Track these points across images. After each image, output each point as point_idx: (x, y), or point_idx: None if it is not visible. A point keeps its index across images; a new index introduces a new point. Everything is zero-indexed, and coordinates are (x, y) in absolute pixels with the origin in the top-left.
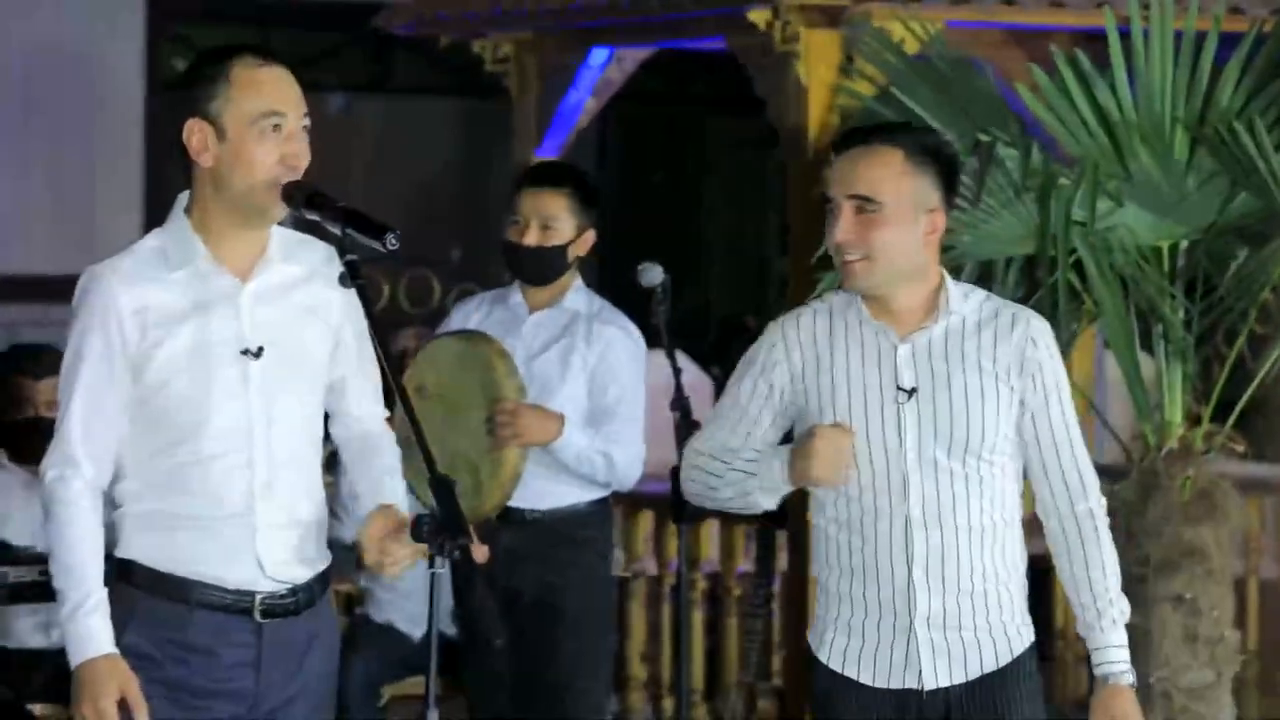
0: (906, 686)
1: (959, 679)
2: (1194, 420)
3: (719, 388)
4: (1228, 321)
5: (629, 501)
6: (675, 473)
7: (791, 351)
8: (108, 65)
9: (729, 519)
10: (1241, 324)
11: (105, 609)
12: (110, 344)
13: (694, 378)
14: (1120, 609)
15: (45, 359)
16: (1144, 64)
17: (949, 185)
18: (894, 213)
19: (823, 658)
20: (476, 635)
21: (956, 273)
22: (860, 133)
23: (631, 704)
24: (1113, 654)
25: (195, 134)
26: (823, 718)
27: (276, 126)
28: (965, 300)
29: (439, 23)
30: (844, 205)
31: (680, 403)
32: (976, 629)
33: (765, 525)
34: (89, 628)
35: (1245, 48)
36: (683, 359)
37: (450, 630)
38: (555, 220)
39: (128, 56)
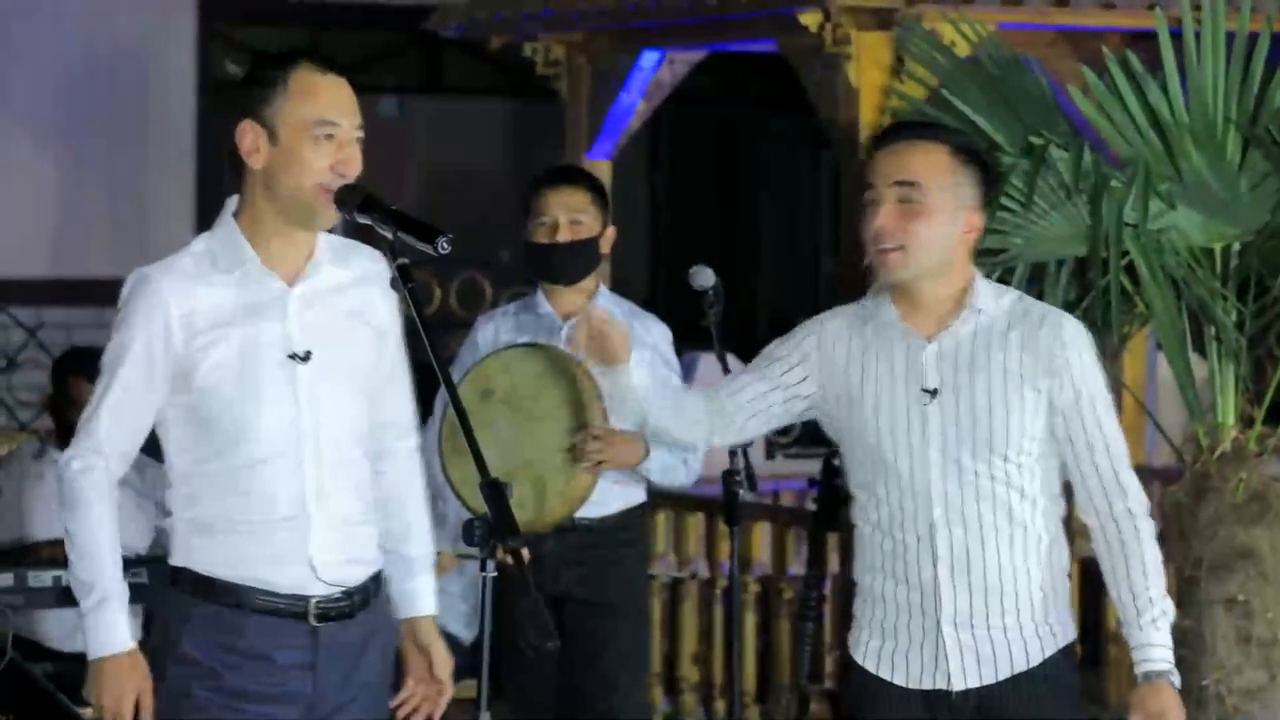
0: (936, 687)
1: (989, 679)
2: (1247, 422)
3: None
4: None
5: (680, 504)
6: (726, 475)
7: (825, 347)
8: (159, 67)
9: (781, 521)
10: None
11: (126, 602)
12: (153, 348)
13: None
14: (1162, 608)
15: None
16: (1195, 65)
17: (987, 188)
18: (936, 204)
19: (858, 658)
20: (522, 640)
21: (1009, 275)
22: (906, 127)
23: (684, 706)
24: (1153, 652)
25: (247, 135)
26: (858, 717)
27: (330, 135)
28: (996, 301)
29: (490, 25)
30: (886, 194)
31: None
32: (1006, 629)
33: (816, 528)
34: (113, 620)
35: None
36: (733, 362)
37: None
38: (583, 214)
39: (179, 58)
